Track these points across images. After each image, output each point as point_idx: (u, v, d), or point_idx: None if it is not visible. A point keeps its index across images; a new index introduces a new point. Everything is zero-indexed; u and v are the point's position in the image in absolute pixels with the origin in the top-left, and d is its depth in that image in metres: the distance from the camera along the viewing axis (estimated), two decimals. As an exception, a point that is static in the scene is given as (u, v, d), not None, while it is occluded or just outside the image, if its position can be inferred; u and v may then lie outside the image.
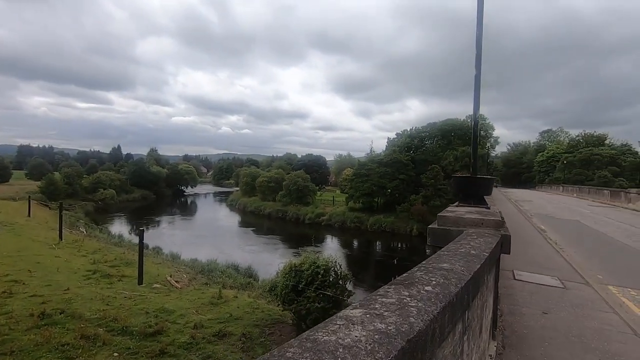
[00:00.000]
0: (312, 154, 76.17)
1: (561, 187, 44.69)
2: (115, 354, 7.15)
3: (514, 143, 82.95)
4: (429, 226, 3.24)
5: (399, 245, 34.79)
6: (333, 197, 51.68)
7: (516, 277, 6.10)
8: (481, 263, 1.80)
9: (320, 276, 8.38)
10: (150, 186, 69.89)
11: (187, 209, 61.39)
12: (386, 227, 38.68)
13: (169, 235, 33.16)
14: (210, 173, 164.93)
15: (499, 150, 74.90)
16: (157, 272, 14.31)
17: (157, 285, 12.51)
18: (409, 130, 54.60)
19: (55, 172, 58.82)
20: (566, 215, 17.68)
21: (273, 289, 9.24)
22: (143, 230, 12.29)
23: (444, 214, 3.33)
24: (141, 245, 12.33)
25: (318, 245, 30.93)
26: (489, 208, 4.06)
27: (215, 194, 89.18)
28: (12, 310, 8.90)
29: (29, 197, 27.49)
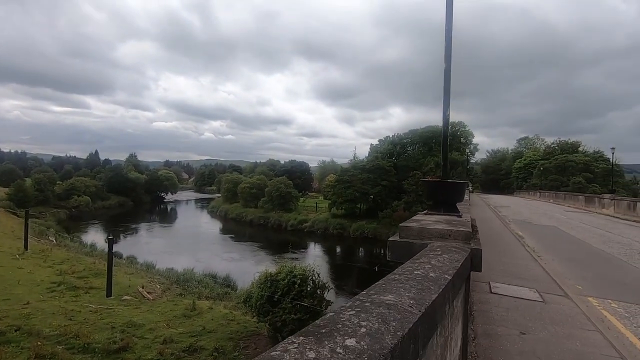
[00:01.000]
0: (295, 160, 75.90)
1: (538, 193, 45.85)
2: (74, 375, 6.62)
3: (493, 150, 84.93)
4: (389, 239, 2.80)
5: (382, 252, 34.76)
6: (316, 203, 51.39)
7: (492, 290, 5.76)
8: (440, 291, 1.41)
9: (296, 286, 8.06)
10: (128, 192, 67.84)
11: (166, 216, 59.80)
12: (369, 233, 38.61)
13: (145, 244, 32.06)
14: (192, 179, 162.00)
15: (479, 157, 76.60)
16: (129, 283, 13.63)
17: (127, 297, 11.88)
18: (391, 136, 55.16)
19: (26, 179, 56.27)
20: (543, 221, 17.99)
21: (248, 299, 8.84)
22: (112, 239, 11.69)
23: (407, 224, 2.89)
24: (110, 255, 11.72)
25: (299, 252, 30.53)
26: (460, 216, 3.68)
27: (197, 201, 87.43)
28: (-39, 328, 8.19)
29: (-6, 204, 26.04)
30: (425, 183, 4.71)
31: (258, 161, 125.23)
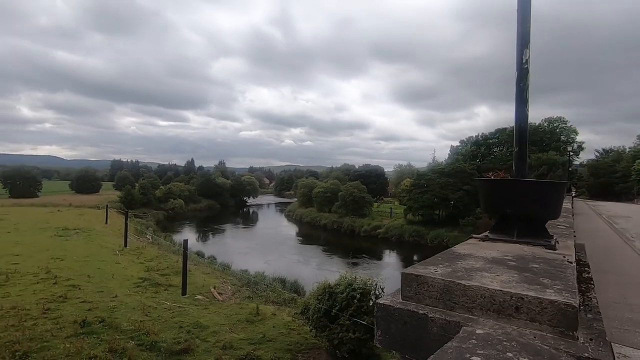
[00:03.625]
0: (369, 165, 74.62)
1: (669, 200, 37.37)
2: (137, 373, 6.86)
3: (603, 149, 72.32)
4: (378, 301, 1.64)
5: (464, 263, 31.75)
6: (391, 208, 49.57)
7: (616, 356, 3.67)
8: None
9: (356, 301, 7.33)
10: (216, 196, 74.13)
11: (247, 219, 63.67)
12: (448, 242, 35.61)
13: (226, 244, 34.27)
14: (272, 184, 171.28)
15: (585, 157, 65.82)
16: (203, 283, 14.33)
17: (200, 297, 12.41)
18: (475, 137, 50.65)
19: (136, 184, 65.38)
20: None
21: (305, 311, 8.38)
22: (187, 241, 12.35)
23: (421, 270, 1.61)
24: (185, 255, 12.38)
25: (372, 259, 29.47)
26: (552, 247, 2.06)
27: (276, 204, 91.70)
28: (61, 315, 9.26)
29: (107, 205, 30.49)
30: (483, 184, 2.53)
31: (334, 166, 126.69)
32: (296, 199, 73.17)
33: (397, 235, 39.55)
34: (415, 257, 34.21)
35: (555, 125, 48.11)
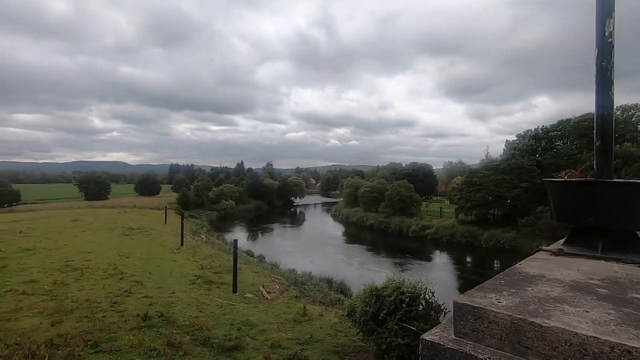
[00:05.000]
0: (417, 163, 72.33)
1: None
2: (192, 367, 7.19)
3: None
4: (424, 336, 1.20)
5: (523, 266, 29.52)
6: (440, 208, 47.64)
7: None
8: None
9: (405, 305, 7.06)
10: (264, 197, 76.51)
11: (294, 219, 64.83)
12: (505, 243, 33.40)
13: (274, 244, 35.13)
14: (318, 184, 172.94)
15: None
16: (252, 281, 14.77)
17: (249, 295, 12.80)
18: (534, 130, 46.92)
19: (191, 186, 69.61)
20: None
21: (352, 313, 8.25)
22: (236, 240, 12.78)
23: (478, 301, 1.19)
24: (235, 255, 12.83)
25: (420, 261, 28.49)
26: None
27: (323, 204, 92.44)
28: (126, 309, 10.03)
29: (165, 207, 32.75)
30: (554, 187, 2.06)
31: (380, 165, 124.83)
32: (342, 199, 73.13)
33: (448, 236, 37.88)
34: (468, 259, 32.50)
35: (630, 113, 42.97)
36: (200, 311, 10.39)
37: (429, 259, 31.67)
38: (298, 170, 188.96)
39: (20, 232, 22.00)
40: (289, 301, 12.90)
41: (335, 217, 61.73)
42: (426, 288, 7.87)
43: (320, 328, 9.99)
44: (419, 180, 61.84)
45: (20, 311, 9.03)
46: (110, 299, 10.45)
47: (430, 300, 7.80)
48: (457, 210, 40.12)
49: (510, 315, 1.12)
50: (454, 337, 1.23)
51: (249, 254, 24.87)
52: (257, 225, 49.84)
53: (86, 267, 14.01)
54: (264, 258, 24.03)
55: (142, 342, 7.79)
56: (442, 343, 1.20)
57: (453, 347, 1.17)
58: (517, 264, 1.80)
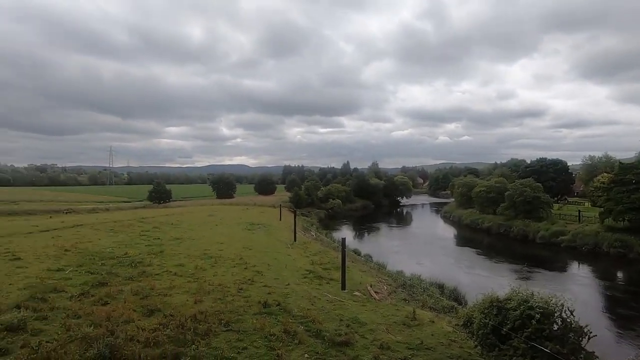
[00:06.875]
0: (545, 158, 62.47)
1: None
2: (306, 356, 7.65)
3: None
4: None
5: None
6: (579, 211, 40.10)
7: None
8: None
9: (534, 322, 6.19)
10: (370, 197, 76.85)
11: (401, 219, 63.27)
12: (677, 258, 26.16)
13: (379, 244, 34.88)
14: (426, 184, 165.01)
15: None
16: (360, 280, 14.95)
17: (357, 293, 12.99)
18: None
19: (301, 186, 74.61)
20: None
21: (468, 323, 7.60)
22: (344, 239, 13.12)
23: None
24: (343, 253, 13.19)
25: (551, 272, 24.55)
26: None
27: (431, 205, 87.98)
28: (249, 295, 11.30)
29: (280, 205, 35.82)
30: None
31: (498, 162, 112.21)
32: (453, 199, 68.12)
33: (590, 245, 31.62)
34: (619, 274, 26.59)
35: None
36: (312, 304, 10.99)
37: (563, 271, 27.03)
38: (404, 169, 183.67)
39: (172, 224, 26.95)
40: (397, 303, 12.64)
41: (445, 218, 57.94)
42: (563, 305, 6.73)
43: (432, 335, 9.49)
44: (548, 179, 53.38)
45: (173, 289, 11.01)
46: (237, 285, 11.91)
47: (569, 320, 6.63)
48: (603, 214, 33.17)
49: None
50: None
51: (356, 252, 25.28)
52: (364, 224, 50.28)
53: (219, 256, 16.29)
54: (371, 257, 24.09)
55: (263, 327, 8.65)
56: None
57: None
58: None
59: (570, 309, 6.83)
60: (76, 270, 12.45)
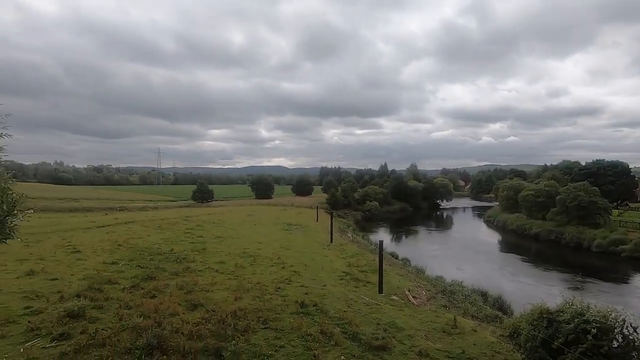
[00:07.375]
0: (602, 160, 57.55)
1: None
2: (343, 358, 7.62)
3: None
4: None
5: None
6: (643, 218, 36.49)
7: None
8: None
9: (590, 337, 5.73)
10: (408, 199, 75.07)
11: (441, 223, 61.17)
12: None
13: (418, 248, 33.94)
14: (468, 186, 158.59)
15: None
16: (398, 284, 14.65)
17: (395, 298, 12.74)
18: None
19: (338, 187, 74.53)
20: None
21: (515, 335, 7.18)
22: (382, 242, 12.94)
23: None
24: (381, 256, 13.00)
25: (609, 284, 22.56)
26: None
27: (473, 208, 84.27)
28: (287, 295, 11.47)
29: (317, 206, 36.01)
30: None
31: (548, 164, 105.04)
32: (497, 203, 64.72)
33: (657, 256, 28.66)
34: (692, 290, 23.82)
35: None
36: (349, 306, 10.94)
37: (623, 282, 24.73)
38: (444, 171, 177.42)
39: (214, 222, 28.05)
40: (437, 309, 12.23)
41: (489, 223, 55.20)
42: (624, 320, 6.16)
43: (474, 345, 9.07)
44: (606, 182, 49.16)
45: (214, 285, 11.45)
46: (275, 284, 12.13)
47: (631, 337, 6.06)
48: (672, 221, 29.92)
49: None
50: None
51: (394, 255, 24.80)
52: (401, 227, 49.19)
53: (257, 255, 16.70)
54: (409, 261, 23.52)
55: (300, 327, 8.74)
56: None
57: None
58: None
59: (633, 325, 6.24)
60: (128, 264, 13.35)
